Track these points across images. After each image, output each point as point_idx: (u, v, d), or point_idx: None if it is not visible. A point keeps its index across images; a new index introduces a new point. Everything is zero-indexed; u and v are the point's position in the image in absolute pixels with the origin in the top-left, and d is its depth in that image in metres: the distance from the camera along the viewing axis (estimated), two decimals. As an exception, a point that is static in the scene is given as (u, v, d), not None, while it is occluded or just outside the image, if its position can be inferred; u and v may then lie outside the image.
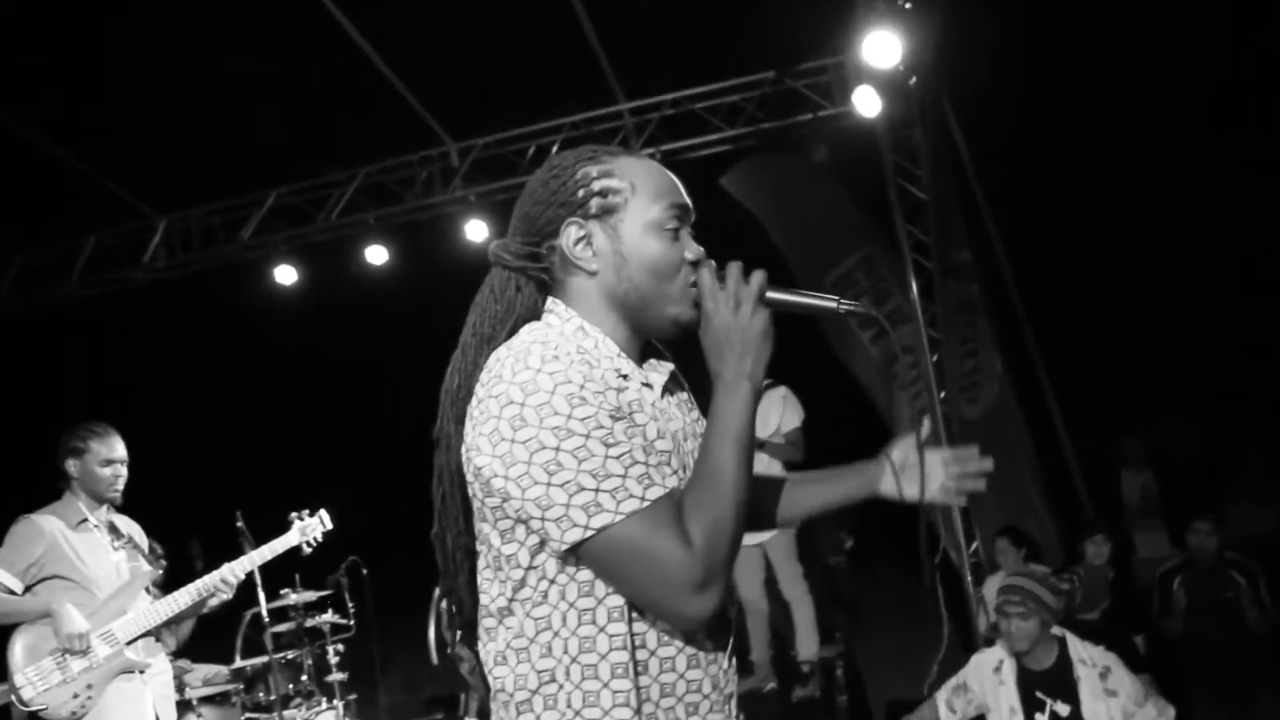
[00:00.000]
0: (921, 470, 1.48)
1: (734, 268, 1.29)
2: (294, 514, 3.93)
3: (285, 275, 6.85)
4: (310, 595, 4.80)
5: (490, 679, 1.27)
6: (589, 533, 1.14)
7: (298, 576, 4.75)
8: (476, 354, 1.28)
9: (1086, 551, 4.81)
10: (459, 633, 1.35)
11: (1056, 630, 3.23)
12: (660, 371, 1.37)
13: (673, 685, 1.23)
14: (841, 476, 1.60)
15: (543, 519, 1.16)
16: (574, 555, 1.18)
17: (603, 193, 1.30)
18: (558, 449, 1.14)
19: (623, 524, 1.13)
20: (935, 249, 5.83)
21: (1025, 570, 4.07)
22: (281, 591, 4.70)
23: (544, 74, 5.78)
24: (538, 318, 1.32)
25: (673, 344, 1.43)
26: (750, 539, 4.58)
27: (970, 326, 6.08)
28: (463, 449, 1.24)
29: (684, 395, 1.44)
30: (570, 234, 1.30)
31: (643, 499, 1.15)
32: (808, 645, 4.98)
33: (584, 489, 1.14)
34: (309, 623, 4.79)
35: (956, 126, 6.07)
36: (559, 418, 1.14)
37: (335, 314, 8.49)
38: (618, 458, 1.15)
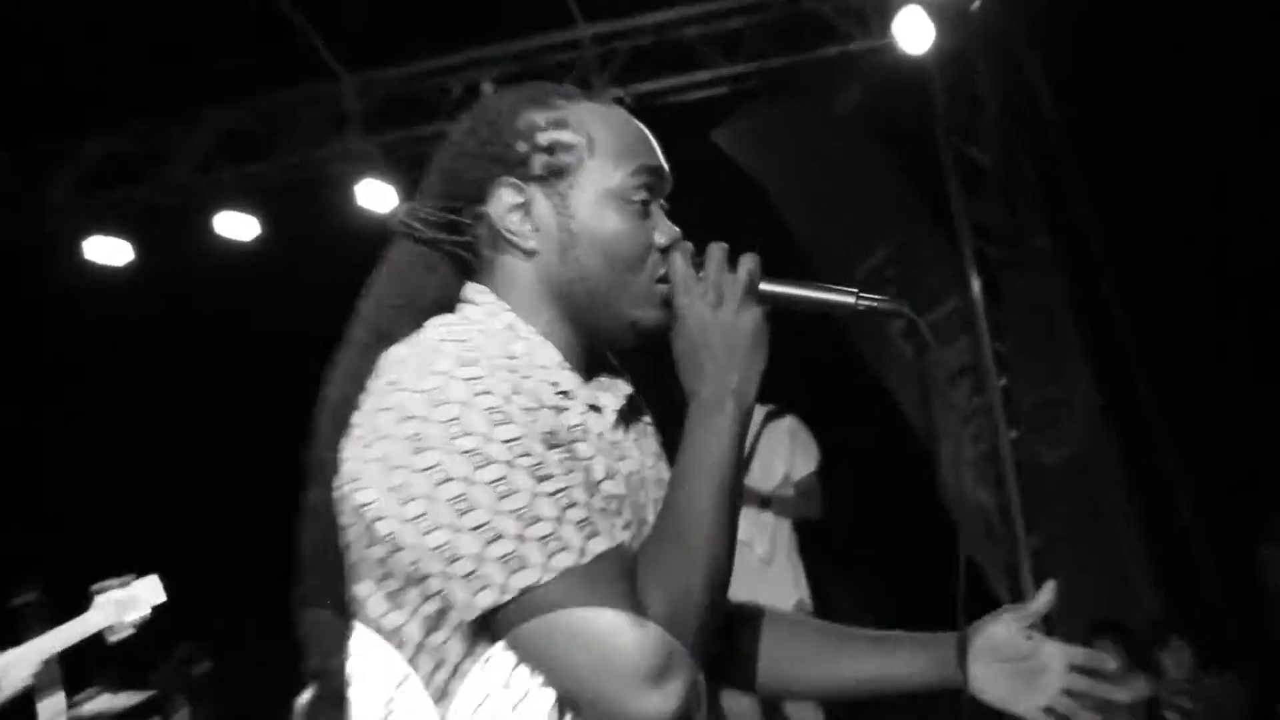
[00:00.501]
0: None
1: (716, 250, 1.32)
2: (101, 584, 3.85)
3: (111, 251, 6.82)
4: (125, 700, 4.74)
5: None
6: (508, 595, 1.14)
7: (106, 673, 4.70)
8: (369, 356, 1.27)
9: (1165, 664, 4.86)
10: None
11: None
12: (614, 393, 1.39)
13: None
14: (900, 647, 1.52)
15: (445, 576, 1.15)
16: (487, 629, 1.18)
17: (550, 148, 1.32)
18: (470, 480, 1.14)
19: (554, 585, 1.13)
20: (1004, 232, 5.92)
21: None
22: (76, 698, 4.62)
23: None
24: (453, 307, 1.35)
25: (634, 356, 1.44)
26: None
27: (1050, 339, 6.18)
28: (340, 480, 1.24)
29: (645, 428, 1.47)
30: (503, 199, 1.33)
31: (582, 552, 1.15)
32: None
33: (503, 536, 1.14)
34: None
35: (1035, 66, 6.17)
36: (474, 439, 1.15)
37: (179, 304, 8.41)
38: (551, 495, 1.16)
